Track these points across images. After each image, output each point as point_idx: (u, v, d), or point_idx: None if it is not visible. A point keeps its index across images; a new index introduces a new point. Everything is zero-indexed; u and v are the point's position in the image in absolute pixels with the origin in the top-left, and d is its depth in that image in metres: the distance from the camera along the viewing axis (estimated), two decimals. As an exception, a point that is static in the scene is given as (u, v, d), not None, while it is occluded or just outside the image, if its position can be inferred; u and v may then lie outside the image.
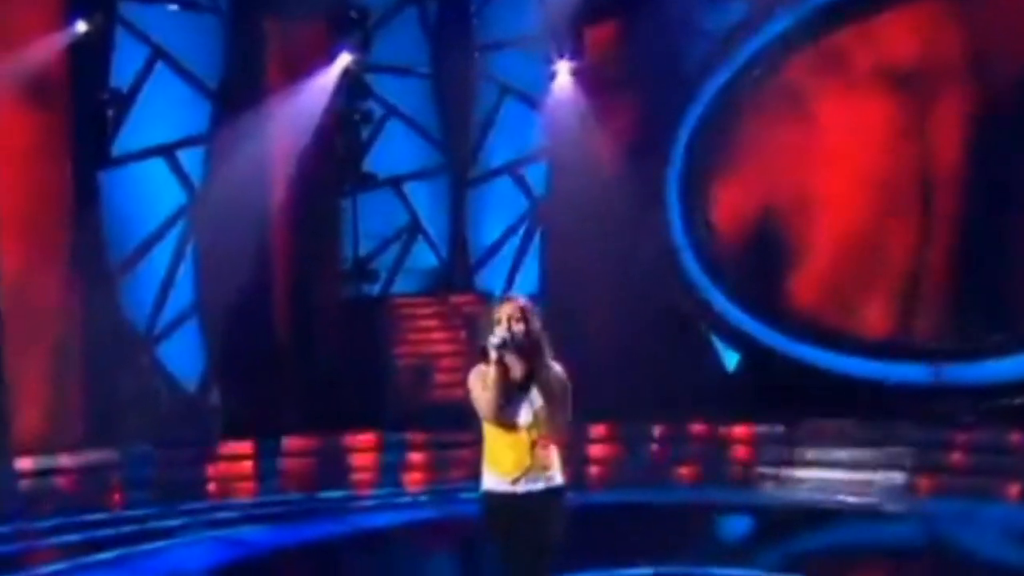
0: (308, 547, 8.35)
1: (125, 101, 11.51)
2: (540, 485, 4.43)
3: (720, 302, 11.66)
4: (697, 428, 10.56)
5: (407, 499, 9.60)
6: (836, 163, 11.01)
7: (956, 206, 10.38)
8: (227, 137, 11.69)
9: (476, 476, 4.51)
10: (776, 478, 9.66)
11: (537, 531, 4.42)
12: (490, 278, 13.40)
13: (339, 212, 12.87)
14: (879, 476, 9.28)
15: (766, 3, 11.42)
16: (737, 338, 11.58)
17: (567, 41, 12.46)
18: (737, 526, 9.03)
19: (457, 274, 13.55)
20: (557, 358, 4.56)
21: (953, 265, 10.34)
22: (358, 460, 10.72)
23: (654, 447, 10.59)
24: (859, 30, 11.08)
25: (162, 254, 11.84)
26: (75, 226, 11.04)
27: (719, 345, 11.90)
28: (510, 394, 4.40)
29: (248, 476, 10.51)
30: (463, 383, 4.55)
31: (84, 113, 11.15)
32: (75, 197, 11.08)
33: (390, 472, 10.23)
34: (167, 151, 11.92)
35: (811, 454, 9.78)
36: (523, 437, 4.41)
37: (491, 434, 4.46)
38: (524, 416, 4.41)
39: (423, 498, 9.49)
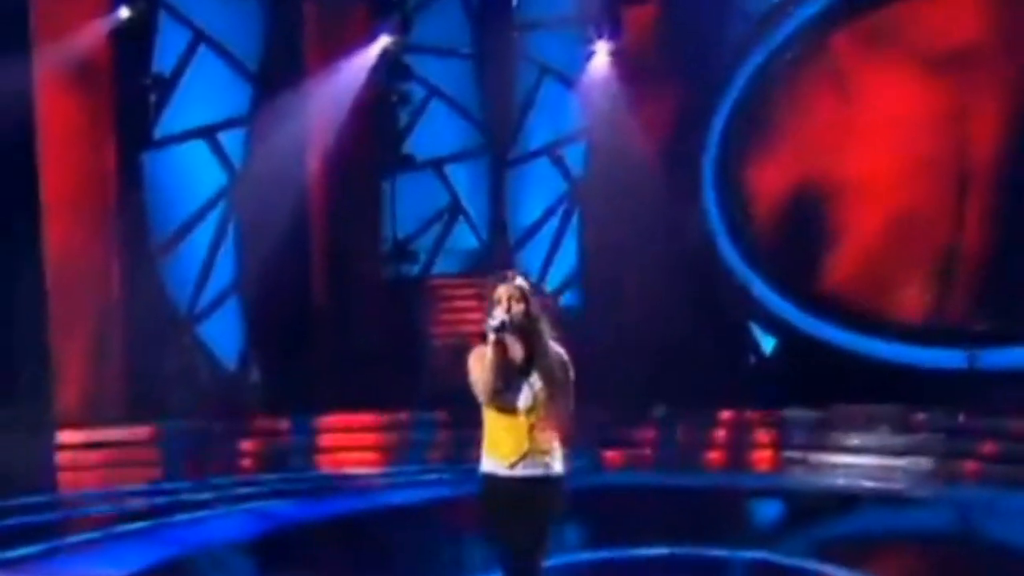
0: (332, 522, 8.48)
1: (167, 84, 11.74)
2: (539, 470, 4.36)
3: (756, 285, 11.55)
4: (729, 412, 10.48)
5: (433, 477, 9.69)
6: (874, 145, 10.81)
7: (995, 191, 10.15)
8: (267, 118, 11.87)
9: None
10: (805, 463, 9.57)
11: (533, 516, 4.36)
12: (529, 259, 13.44)
13: (379, 193, 12.99)
14: (909, 462, 9.15)
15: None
16: (773, 322, 11.47)
17: (606, 22, 12.41)
18: (762, 510, 8.98)
19: (496, 255, 13.61)
20: (559, 340, 4.49)
21: (990, 251, 10.12)
22: (389, 438, 10.85)
23: (685, 430, 10.53)
24: (903, 9, 10.87)
25: (203, 234, 12.08)
26: (119, 207, 11.30)
27: (756, 329, 11.82)
28: (509, 377, 4.31)
29: (281, 452, 10.69)
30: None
31: (128, 97, 11.39)
32: (119, 179, 11.33)
33: (419, 450, 10.33)
34: (209, 133, 12.14)
35: (841, 439, 9.67)
36: (522, 421, 4.34)
37: (490, 417, 4.38)
38: (524, 399, 4.33)
39: (447, 476, 9.57)
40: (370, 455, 10.67)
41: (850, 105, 11.10)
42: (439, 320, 12.63)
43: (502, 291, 4.38)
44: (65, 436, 10.27)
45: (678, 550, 6.99)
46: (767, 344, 11.78)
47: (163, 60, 11.79)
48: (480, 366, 4.33)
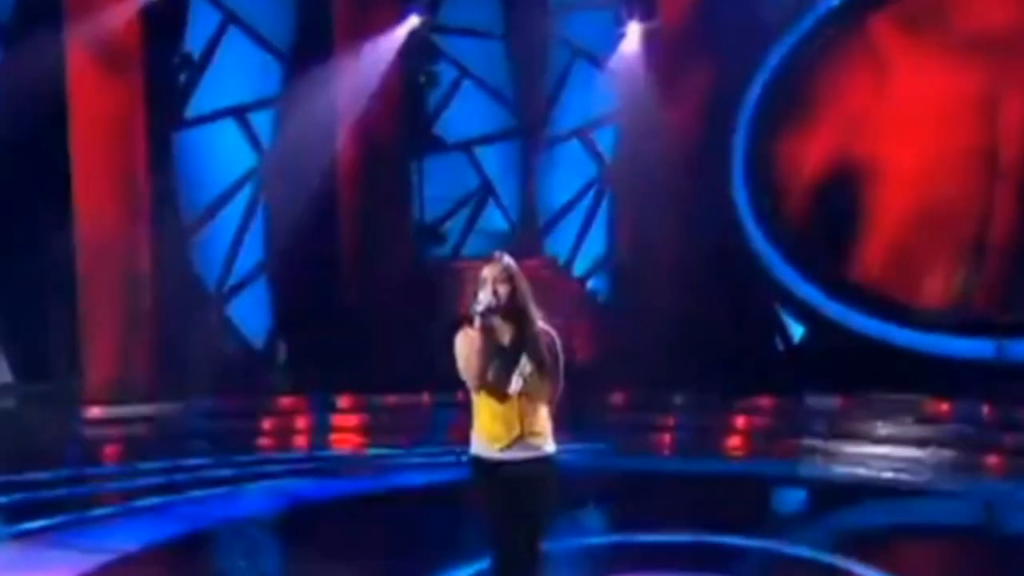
0: (347, 501, 8.54)
1: (197, 65, 11.83)
2: (529, 453, 4.31)
3: (784, 272, 11.40)
4: (752, 399, 10.36)
5: (451, 458, 9.66)
6: (908, 130, 10.59)
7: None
8: (295, 99, 11.92)
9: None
10: (825, 452, 9.44)
11: (527, 498, 4.31)
12: (558, 242, 13.40)
13: (408, 175, 13.00)
14: (931, 454, 8.98)
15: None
16: (799, 308, 11.32)
17: (638, 2, 12.28)
18: (778, 499, 8.86)
19: (526, 238, 13.58)
20: (547, 320, 4.42)
21: (1022, 240, 9.89)
22: (410, 418, 10.89)
23: (706, 416, 10.44)
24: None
25: (233, 214, 12.19)
26: (149, 187, 11.42)
27: (784, 315, 11.67)
28: (498, 361, 4.26)
29: (303, 431, 10.78)
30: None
31: (158, 77, 11.50)
32: (150, 159, 11.44)
33: (440, 431, 10.33)
34: (239, 113, 12.23)
35: (864, 428, 9.51)
36: (513, 405, 4.28)
37: (480, 401, 4.34)
38: (514, 384, 4.28)
39: (464, 457, 9.55)
40: (391, 435, 10.70)
41: (886, 89, 10.88)
42: (465, 302, 12.60)
43: (487, 273, 4.32)
44: (93, 411, 10.45)
45: (692, 538, 6.94)
46: (796, 331, 11.65)
47: (194, 41, 11.89)
48: (467, 351, 4.28)
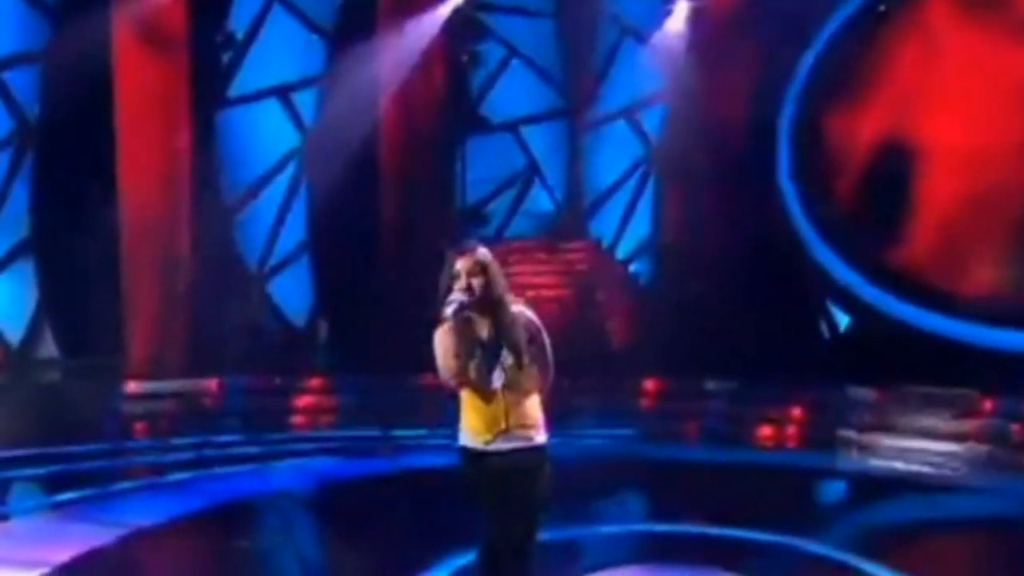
0: (370, 480, 8.56)
1: (240, 44, 11.91)
2: (516, 443, 4.22)
3: (828, 257, 11.11)
4: (789, 388, 10.11)
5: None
6: (959, 112, 10.20)
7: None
8: (338, 78, 11.94)
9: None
10: (862, 444, 9.18)
11: (515, 489, 4.22)
12: (603, 224, 13.24)
13: (452, 155, 12.95)
14: (970, 449, 8.67)
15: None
16: (844, 296, 11.02)
17: (687, -21, 12.03)
18: (807, 492, 8.57)
19: (571, 219, 13.45)
20: (530, 305, 4.35)
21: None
22: (440, 400, 10.84)
23: (741, 405, 10.24)
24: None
25: (275, 193, 12.27)
26: (193, 166, 11.56)
27: (829, 303, 11.38)
28: (480, 357, 4.17)
29: (337, 409, 10.83)
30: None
31: (203, 56, 11.61)
32: (193, 138, 11.58)
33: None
34: (282, 92, 12.29)
35: (902, 421, 9.23)
36: (498, 401, 4.19)
37: (465, 395, 4.25)
38: (497, 379, 4.18)
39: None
40: (426, 416, 10.69)
41: (938, 67, 10.49)
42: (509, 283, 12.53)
43: (460, 266, 4.21)
44: (132, 386, 10.64)
45: (705, 530, 6.81)
46: (842, 320, 11.35)
47: (238, 19, 11.97)
48: (443, 349, 4.20)
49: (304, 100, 12.38)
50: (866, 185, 10.94)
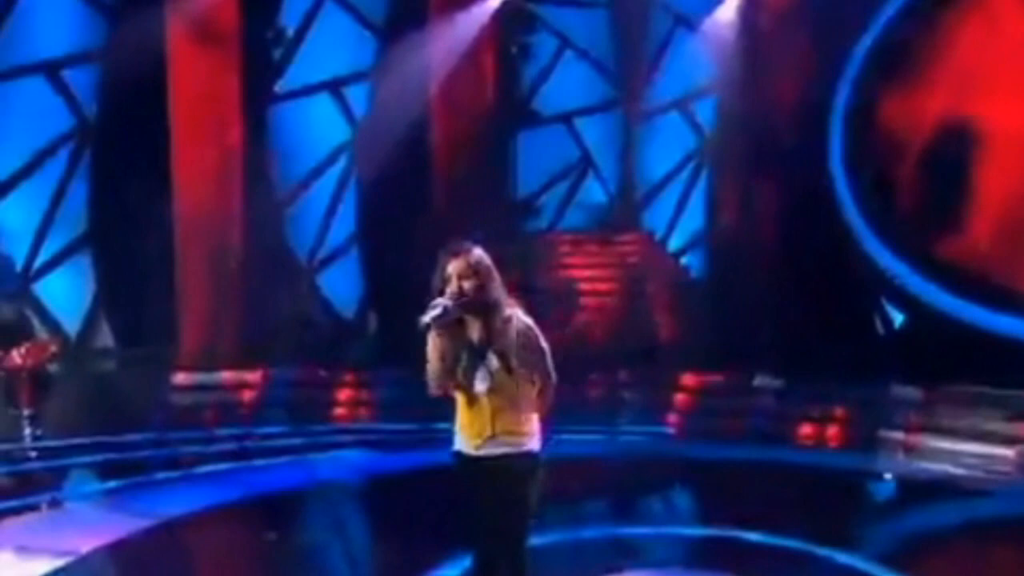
0: (408, 475, 8.54)
1: (291, 39, 12.03)
2: (504, 449, 4.14)
3: (882, 251, 10.79)
4: (838, 387, 9.84)
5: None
6: (1021, 96, 9.81)
7: None
8: (388, 71, 11.99)
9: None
10: (906, 445, 8.91)
11: (503, 494, 4.16)
12: (655, 216, 13.10)
13: (503, 147, 12.92)
14: (1020, 452, 8.34)
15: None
16: (897, 292, 10.70)
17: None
18: (848, 495, 8.29)
19: (623, 211, 13.33)
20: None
21: None
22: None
23: (786, 403, 10.01)
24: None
25: (326, 186, 12.40)
26: (245, 160, 11.73)
27: (884, 300, 11.07)
28: (467, 360, 4.11)
29: (380, 403, 10.89)
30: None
31: (255, 51, 11.76)
32: (245, 132, 11.74)
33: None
34: (333, 86, 12.39)
35: (950, 422, 8.92)
36: (484, 404, 4.12)
37: (459, 398, 4.21)
38: (480, 383, 4.11)
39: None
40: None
41: (1000, 51, 10.09)
42: (554, 276, 12.51)
43: (451, 269, 4.14)
44: (182, 378, 10.87)
45: (728, 533, 6.69)
46: (897, 317, 11.04)
47: (290, 15, 12.09)
48: (429, 354, 4.15)
49: (355, 94, 12.46)
50: (922, 173, 10.58)
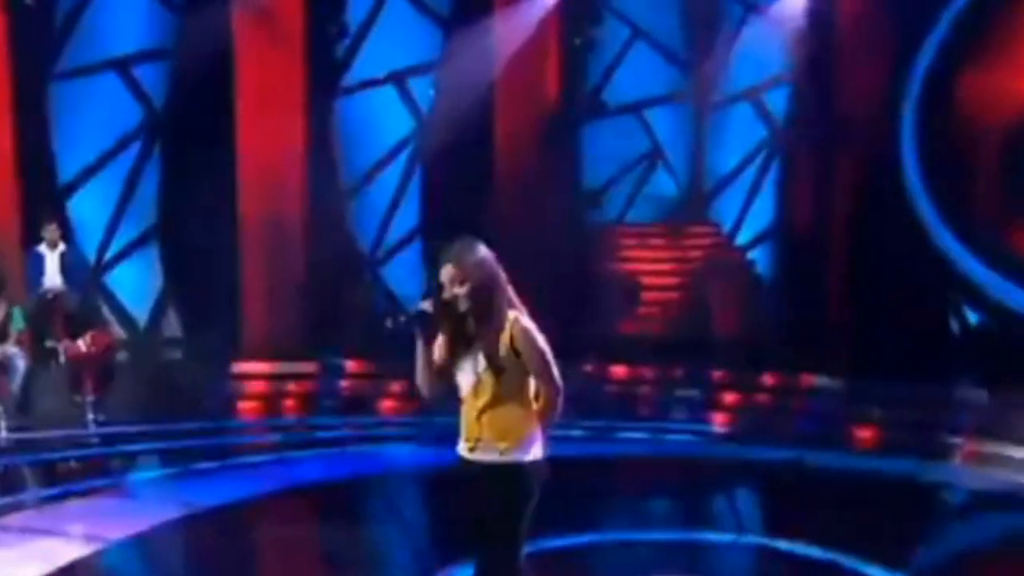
0: (439, 470, 8.51)
1: (357, 32, 12.11)
2: (488, 457, 4.08)
3: (958, 250, 10.30)
4: (899, 388, 9.42)
5: (578, 432, 9.37)
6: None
7: None
8: (453, 63, 11.96)
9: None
10: (966, 452, 8.47)
11: (488, 503, 4.09)
12: (725, 209, 12.77)
13: (570, 138, 12.77)
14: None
15: None
16: (972, 293, 10.19)
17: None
18: (894, 504, 7.87)
19: (692, 203, 13.04)
20: (532, 312, 4.19)
21: None
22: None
23: (843, 404, 9.65)
24: None
25: (390, 178, 12.45)
26: (310, 153, 11.86)
27: (959, 297, 10.56)
28: (459, 357, 4.08)
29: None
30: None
31: (319, 46, 11.87)
32: (310, 126, 11.86)
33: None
34: (398, 79, 12.43)
35: (1015, 428, 8.44)
36: (471, 406, 4.08)
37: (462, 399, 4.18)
38: (465, 381, 4.08)
39: (576, 432, 9.31)
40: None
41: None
42: (620, 268, 12.35)
43: (444, 274, 4.09)
44: (243, 367, 11.07)
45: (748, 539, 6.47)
46: (972, 317, 10.52)
47: (356, 8, 12.17)
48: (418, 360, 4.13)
49: (420, 86, 12.48)
50: (1002, 164, 10.04)
